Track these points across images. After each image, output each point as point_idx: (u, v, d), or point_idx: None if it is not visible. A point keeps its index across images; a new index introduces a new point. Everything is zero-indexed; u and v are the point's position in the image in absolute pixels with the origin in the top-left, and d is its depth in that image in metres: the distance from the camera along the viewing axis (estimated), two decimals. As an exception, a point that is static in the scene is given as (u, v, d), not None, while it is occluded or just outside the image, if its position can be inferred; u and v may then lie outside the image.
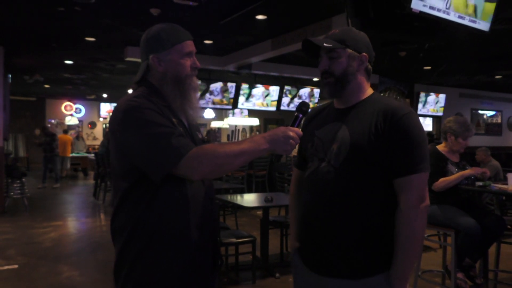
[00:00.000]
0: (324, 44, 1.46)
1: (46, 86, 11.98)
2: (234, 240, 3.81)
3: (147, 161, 1.33)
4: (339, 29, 1.52)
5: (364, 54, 1.49)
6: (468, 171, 3.16)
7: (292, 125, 1.43)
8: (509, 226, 3.40)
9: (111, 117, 1.42)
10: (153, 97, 1.41)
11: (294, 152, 1.69)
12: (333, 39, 1.48)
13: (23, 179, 7.63)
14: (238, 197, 4.78)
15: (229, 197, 4.58)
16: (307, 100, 8.56)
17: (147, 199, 1.37)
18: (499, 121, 12.26)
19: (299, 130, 1.40)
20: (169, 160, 1.30)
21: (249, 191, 7.92)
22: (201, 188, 1.47)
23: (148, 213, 1.37)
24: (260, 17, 5.29)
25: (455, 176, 3.14)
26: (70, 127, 15.83)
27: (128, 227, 1.39)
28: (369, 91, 1.53)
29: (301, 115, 1.47)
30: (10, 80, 8.64)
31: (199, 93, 1.53)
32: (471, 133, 3.29)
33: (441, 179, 3.13)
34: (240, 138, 13.97)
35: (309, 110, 1.56)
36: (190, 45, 1.49)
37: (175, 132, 1.34)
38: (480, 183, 3.27)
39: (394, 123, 1.38)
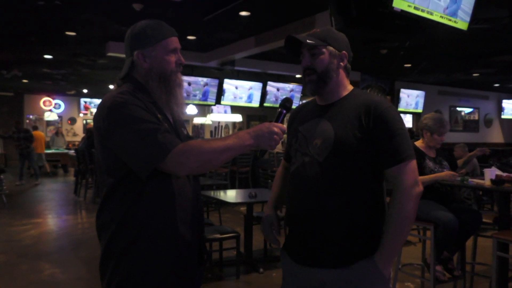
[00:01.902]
0: (307, 41, 1.50)
1: (25, 81, 11.71)
2: (218, 235, 3.82)
3: (133, 157, 1.34)
4: (320, 29, 1.58)
5: (344, 52, 1.56)
6: (442, 175, 3.20)
7: (276, 121, 1.46)
8: (486, 220, 3.51)
9: (96, 114, 1.42)
10: (138, 93, 1.41)
11: (278, 149, 1.74)
12: (315, 37, 1.53)
13: (1, 176, 7.47)
14: (222, 193, 4.79)
15: (212, 193, 4.59)
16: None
17: (133, 195, 1.38)
18: (476, 118, 12.56)
19: (283, 126, 1.44)
20: (155, 156, 1.31)
21: (233, 187, 7.94)
22: (187, 184, 1.48)
23: (134, 209, 1.38)
24: (243, 13, 5.29)
25: (429, 177, 3.20)
26: (49, 123, 15.53)
27: (114, 222, 1.39)
28: (350, 88, 1.59)
29: (284, 111, 1.51)
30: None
31: (184, 89, 1.54)
32: (445, 129, 3.37)
33: None
34: (223, 135, 13.96)
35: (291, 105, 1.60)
36: (175, 42, 1.50)
37: (161, 128, 1.35)
38: (458, 178, 3.35)
39: (377, 116, 1.44)
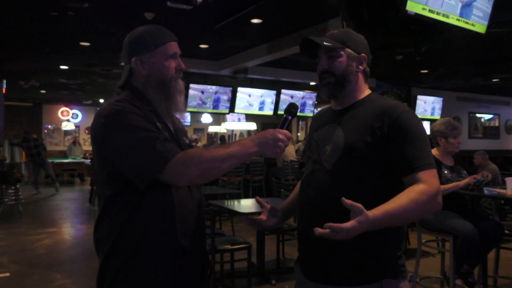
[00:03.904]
0: (324, 43, 1.43)
1: (42, 91, 11.92)
2: (229, 246, 3.74)
3: (131, 167, 1.28)
4: (338, 30, 1.51)
5: (363, 54, 1.48)
6: (463, 182, 3.09)
7: (281, 127, 1.40)
8: (507, 231, 3.34)
9: (93, 123, 1.37)
10: (137, 101, 1.36)
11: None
12: (333, 38, 1.46)
13: (18, 185, 7.56)
14: (235, 202, 4.72)
15: (225, 203, 4.52)
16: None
17: (131, 207, 1.32)
18: (497, 124, 12.24)
19: (288, 132, 1.36)
20: (154, 166, 1.25)
21: (246, 196, 7.86)
22: (188, 195, 1.42)
23: (132, 222, 1.32)
24: (255, 21, 5.25)
25: (451, 185, 3.08)
26: (67, 132, 15.76)
27: (112, 236, 1.34)
28: (367, 92, 1.51)
29: (290, 117, 1.44)
30: (5, 85, 8.58)
31: (184, 96, 1.48)
32: (459, 131, 3.28)
33: None
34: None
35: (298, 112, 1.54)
36: (174, 47, 1.44)
37: (159, 137, 1.29)
38: (479, 178, 3.15)
39: (393, 120, 1.33)
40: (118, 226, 1.33)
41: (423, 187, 1.27)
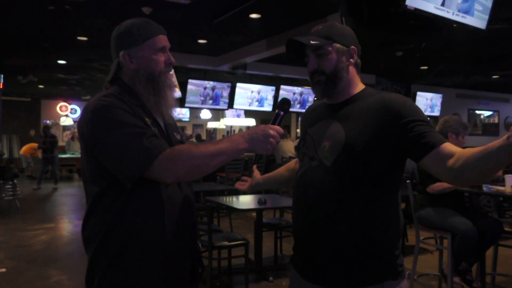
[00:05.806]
0: (311, 42, 1.37)
1: (41, 86, 11.87)
2: (226, 243, 3.72)
3: (117, 164, 1.25)
4: (322, 25, 1.44)
5: (353, 47, 1.42)
6: None
7: (273, 123, 1.36)
8: (506, 229, 3.32)
9: (80, 118, 1.33)
10: (125, 96, 1.33)
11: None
12: (319, 35, 1.40)
13: (15, 181, 7.53)
14: (233, 198, 4.71)
15: (223, 199, 4.50)
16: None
17: (119, 204, 1.29)
18: (496, 121, 12.21)
19: (280, 128, 1.33)
20: (140, 162, 1.22)
21: (244, 192, 7.82)
22: (178, 191, 1.39)
23: (120, 219, 1.29)
24: (254, 16, 5.21)
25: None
26: (65, 127, 15.73)
27: (100, 234, 1.31)
28: (361, 86, 1.46)
29: (282, 113, 1.40)
30: (2, 80, 8.54)
31: (175, 91, 1.44)
32: (469, 131, 3.31)
33: (438, 183, 3.05)
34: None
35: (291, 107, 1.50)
36: (163, 40, 1.40)
37: (147, 133, 1.26)
38: None
39: (398, 110, 1.29)
40: (106, 223, 1.30)
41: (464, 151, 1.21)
